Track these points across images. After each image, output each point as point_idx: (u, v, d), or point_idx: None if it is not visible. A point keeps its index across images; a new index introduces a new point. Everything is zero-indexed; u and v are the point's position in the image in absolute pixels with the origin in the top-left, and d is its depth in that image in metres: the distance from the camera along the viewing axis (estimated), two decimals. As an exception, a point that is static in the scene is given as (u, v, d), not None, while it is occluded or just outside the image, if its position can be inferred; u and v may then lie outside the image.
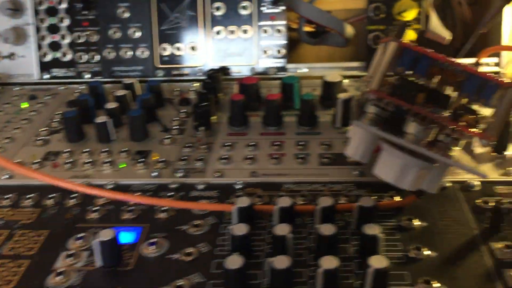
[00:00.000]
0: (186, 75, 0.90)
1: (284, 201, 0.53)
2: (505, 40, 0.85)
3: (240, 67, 0.90)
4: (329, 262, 0.44)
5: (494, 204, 0.53)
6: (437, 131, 0.48)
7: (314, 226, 0.51)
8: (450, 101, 0.47)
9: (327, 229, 0.49)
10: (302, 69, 0.91)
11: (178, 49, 0.90)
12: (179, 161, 0.67)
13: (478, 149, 0.65)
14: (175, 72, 0.91)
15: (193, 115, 0.74)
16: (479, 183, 0.59)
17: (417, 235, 0.52)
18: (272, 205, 0.54)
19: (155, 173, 0.65)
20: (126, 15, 0.90)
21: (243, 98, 0.73)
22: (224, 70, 0.89)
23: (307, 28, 1.02)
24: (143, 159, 0.67)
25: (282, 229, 0.49)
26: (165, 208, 0.57)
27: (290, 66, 0.90)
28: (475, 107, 0.47)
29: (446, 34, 0.67)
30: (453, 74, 0.47)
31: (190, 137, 0.73)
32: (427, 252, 0.50)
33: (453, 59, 0.45)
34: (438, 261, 0.49)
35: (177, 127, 0.75)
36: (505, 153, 0.64)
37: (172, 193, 0.61)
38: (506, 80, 0.44)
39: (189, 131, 0.74)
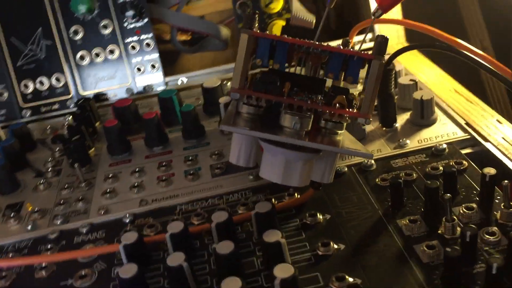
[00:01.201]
0: (56, 110, 0.82)
1: (175, 226, 0.48)
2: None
3: (115, 91, 0.83)
4: (232, 284, 0.39)
5: (390, 181, 0.50)
6: (317, 119, 0.45)
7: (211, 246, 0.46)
8: (320, 85, 0.44)
9: (224, 247, 0.44)
10: (182, 80, 0.86)
11: (41, 83, 0.81)
12: (57, 206, 0.59)
13: (368, 127, 0.64)
14: (44, 109, 0.82)
15: (66, 152, 0.66)
16: (374, 162, 0.57)
17: (323, 230, 0.49)
18: (164, 233, 0.48)
19: (30, 226, 0.56)
20: (-26, 57, 0.80)
21: (118, 123, 0.67)
22: (96, 97, 0.81)
23: (183, 37, 0.97)
24: (15, 213, 0.59)
25: (176, 258, 0.44)
26: (44, 265, 0.50)
27: (168, 79, 0.85)
28: (345, 86, 0.44)
29: (311, 18, 0.65)
30: (317, 57, 0.44)
31: (67, 177, 0.65)
32: (335, 246, 0.46)
33: (311, 41, 0.42)
34: (348, 252, 0.46)
35: (52, 168, 0.67)
36: (395, 125, 0.63)
37: (50, 246, 0.53)
38: (368, 53, 0.42)
39: (66, 171, 0.67)
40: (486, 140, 0.57)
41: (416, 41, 0.87)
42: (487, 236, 0.43)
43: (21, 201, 0.62)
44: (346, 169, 0.57)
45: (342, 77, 0.44)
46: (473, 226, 0.41)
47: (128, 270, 0.44)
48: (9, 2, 0.79)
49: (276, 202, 0.53)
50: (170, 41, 0.94)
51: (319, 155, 0.46)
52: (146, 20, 0.82)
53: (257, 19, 0.43)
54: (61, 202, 0.60)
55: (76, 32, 0.81)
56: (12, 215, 0.58)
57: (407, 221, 0.47)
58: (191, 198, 0.57)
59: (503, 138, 0.57)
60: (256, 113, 0.46)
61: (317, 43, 0.43)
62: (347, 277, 0.42)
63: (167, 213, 0.55)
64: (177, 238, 0.47)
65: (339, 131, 0.47)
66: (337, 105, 0.43)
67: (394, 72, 0.63)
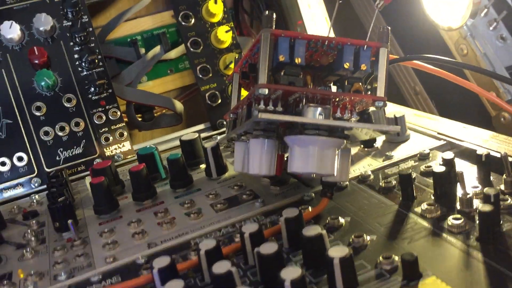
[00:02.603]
0: (21, 189, 0.78)
1: (163, 261, 0.45)
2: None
3: (82, 163, 0.81)
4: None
5: (397, 176, 0.54)
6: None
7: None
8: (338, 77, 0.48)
9: (268, 248, 0.43)
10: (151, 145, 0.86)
11: (3, 164, 0.77)
12: (55, 266, 0.55)
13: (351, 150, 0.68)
14: (9, 193, 0.77)
15: (52, 214, 0.62)
16: (371, 173, 0.60)
17: (349, 229, 0.50)
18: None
19: (31, 287, 0.51)
20: None
21: (105, 180, 0.65)
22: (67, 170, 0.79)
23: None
24: (7, 281, 0.53)
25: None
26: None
27: (136, 147, 0.85)
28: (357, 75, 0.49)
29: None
30: (326, 56, 0.48)
31: (55, 242, 0.61)
32: (368, 237, 0.47)
33: (324, 36, 0.47)
34: (382, 240, 0.47)
35: (34, 238, 0.62)
36: (375, 145, 0.68)
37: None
38: (374, 42, 0.47)
39: (51, 237, 0.62)
40: (461, 141, 0.63)
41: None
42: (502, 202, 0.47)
43: (8, 272, 0.56)
44: (347, 182, 0.59)
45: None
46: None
47: (175, 285, 0.41)
48: (-36, 84, 0.77)
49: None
50: (130, 118, 0.95)
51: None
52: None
53: (274, 19, 0.46)
54: (58, 261, 0.55)
55: (38, 108, 0.79)
56: (4, 283, 0.53)
57: (426, 206, 0.50)
58: (203, 232, 0.55)
59: (474, 137, 0.63)
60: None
61: (330, 37, 0.47)
62: (393, 255, 0.43)
63: (184, 248, 0.53)
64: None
65: (353, 119, 0.51)
66: (357, 91, 0.47)
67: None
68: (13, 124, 0.78)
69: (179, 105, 0.98)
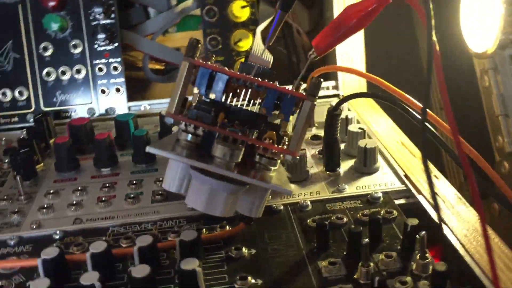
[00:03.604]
0: (15, 122, 0.83)
1: (98, 246, 0.48)
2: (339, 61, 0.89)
3: (77, 109, 0.84)
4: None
5: (316, 222, 0.51)
6: (249, 152, 0.46)
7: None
8: (260, 120, 0.46)
9: (140, 271, 0.44)
10: (145, 106, 0.87)
11: (4, 94, 0.82)
12: (-9, 216, 0.59)
13: (313, 169, 0.65)
14: (3, 121, 0.83)
15: (12, 164, 0.67)
16: (310, 203, 0.58)
17: (246, 264, 0.49)
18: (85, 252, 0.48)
19: (-40, 234, 0.56)
20: None
21: (69, 140, 0.67)
22: (57, 114, 0.82)
23: (156, 66, 0.99)
24: None
25: (90, 277, 0.43)
26: (-38, 272, 0.49)
27: (132, 104, 0.86)
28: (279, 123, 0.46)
29: (269, 57, 0.67)
30: (256, 92, 0.45)
31: (10, 189, 0.65)
32: (253, 281, 0.46)
33: (248, 75, 0.44)
34: (265, 288, 0.46)
35: (-3, 179, 0.67)
36: (338, 169, 0.65)
37: (-25, 254, 0.52)
38: (300, 92, 0.43)
39: (10, 183, 0.67)
40: (419, 193, 0.58)
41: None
42: (399, 285, 0.44)
43: (-45, 206, 0.62)
44: (282, 207, 0.57)
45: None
46: (384, 273, 0.42)
47: (40, 284, 0.43)
48: (-17, 13, 0.81)
49: (207, 232, 0.53)
50: (141, 68, 0.96)
51: (245, 188, 0.46)
52: (116, 44, 0.84)
53: (199, 48, 0.44)
54: (-4, 212, 0.60)
55: (45, 49, 0.82)
56: None
57: (327, 263, 0.48)
58: (125, 221, 0.57)
59: (436, 193, 0.58)
60: (194, 142, 0.47)
61: (254, 78, 0.44)
62: (256, 312, 0.42)
63: (98, 233, 0.55)
64: (97, 258, 0.47)
65: (273, 168, 0.49)
66: (268, 140, 0.44)
67: (340, 118, 0.65)
68: (20, 59, 0.82)
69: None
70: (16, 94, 0.82)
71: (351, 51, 0.88)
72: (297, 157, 0.44)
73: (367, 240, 0.45)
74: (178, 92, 0.43)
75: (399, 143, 0.71)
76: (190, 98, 0.45)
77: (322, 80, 0.43)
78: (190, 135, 0.47)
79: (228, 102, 0.47)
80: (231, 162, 0.44)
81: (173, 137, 0.47)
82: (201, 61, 0.44)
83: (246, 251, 0.51)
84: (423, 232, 0.46)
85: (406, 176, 0.62)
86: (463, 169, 0.42)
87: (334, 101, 0.87)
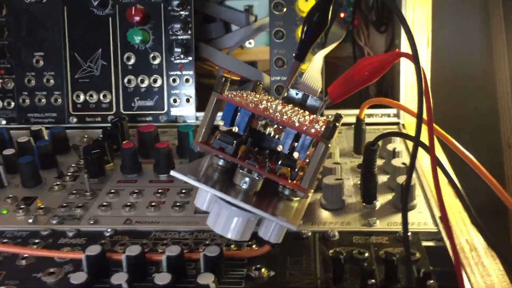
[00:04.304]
0: (98, 122, 0.93)
1: (133, 250, 0.54)
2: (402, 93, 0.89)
3: (151, 115, 0.92)
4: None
5: (334, 254, 0.53)
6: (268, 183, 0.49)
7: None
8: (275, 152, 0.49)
9: (162, 278, 0.49)
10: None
11: (91, 96, 0.92)
12: (59, 208, 0.68)
13: (350, 199, 0.67)
14: (88, 120, 0.93)
15: (84, 162, 0.76)
16: (337, 234, 0.60)
17: (262, 285, 0.53)
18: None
19: (31, 220, 0.65)
20: (41, 63, 0.92)
21: (134, 146, 0.75)
22: (133, 118, 0.91)
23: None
24: (25, 206, 0.68)
25: (120, 278, 0.50)
26: (25, 255, 0.58)
27: (200, 114, 0.93)
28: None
29: (318, 87, 0.70)
30: (278, 128, 0.49)
31: (80, 184, 0.74)
32: (263, 302, 0.50)
33: (271, 113, 0.47)
34: (272, 311, 0.49)
35: (72, 173, 0.76)
36: (375, 202, 0.66)
37: (39, 240, 0.61)
38: (316, 133, 0.46)
39: (81, 178, 0.76)
40: (451, 238, 0.58)
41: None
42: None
43: (36, 196, 0.72)
44: (310, 233, 0.60)
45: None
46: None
47: (78, 277, 0.51)
48: (80, 22, 0.91)
49: (235, 248, 0.58)
50: (214, 76, 1.02)
51: (258, 216, 0.50)
52: (190, 58, 0.91)
53: (228, 84, 0.49)
54: (64, 205, 0.68)
55: (129, 58, 0.91)
56: (22, 206, 0.68)
57: (336, 296, 0.50)
58: (167, 228, 0.63)
59: (466, 239, 0.58)
60: (226, 166, 0.52)
61: (274, 115, 0.48)
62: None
63: (142, 236, 0.62)
64: (131, 260, 0.53)
65: (295, 198, 0.52)
66: (283, 174, 0.47)
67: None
68: (107, 66, 0.92)
69: (267, 79, 1.02)
70: (101, 96, 0.92)
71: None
72: (309, 195, 0.47)
73: (373, 281, 0.47)
74: (206, 123, 0.48)
75: (445, 181, 0.70)
76: (221, 123, 0.50)
77: (337, 124, 0.45)
78: (221, 160, 0.52)
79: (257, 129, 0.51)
80: (250, 191, 0.48)
81: (202, 161, 0.52)
82: (229, 95, 0.48)
83: (266, 272, 0.54)
84: (432, 281, 0.47)
85: (441, 218, 0.62)
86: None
87: (393, 128, 0.88)
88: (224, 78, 0.48)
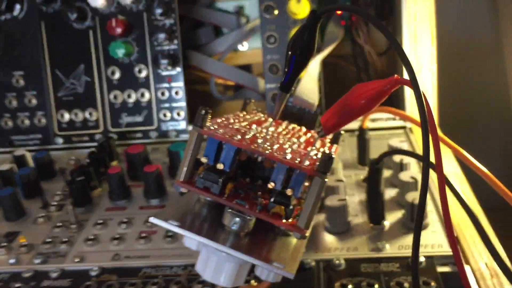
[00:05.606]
0: (86, 141, 0.87)
1: None
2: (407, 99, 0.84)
3: (140, 131, 0.87)
4: None
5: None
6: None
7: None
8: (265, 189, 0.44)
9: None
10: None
11: (76, 115, 0.87)
12: (43, 244, 0.63)
13: (356, 220, 0.62)
14: (75, 139, 0.88)
15: (69, 191, 0.71)
16: (343, 262, 0.55)
17: (261, 328, 0.48)
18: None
19: (13, 260, 0.60)
20: (22, 83, 0.87)
21: (121, 171, 0.70)
22: (122, 135, 0.86)
23: (228, 82, 0.99)
24: (7, 243, 0.63)
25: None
26: (3, 304, 0.53)
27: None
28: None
29: (313, 100, 0.64)
30: (269, 161, 0.43)
31: (66, 215, 0.69)
32: None
33: (259, 144, 0.42)
34: None
35: (57, 202, 0.72)
36: (384, 222, 0.61)
37: (20, 285, 0.56)
38: (311, 165, 0.40)
39: (67, 208, 0.71)
40: (467, 262, 0.53)
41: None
42: None
43: (19, 230, 0.67)
44: (314, 263, 0.55)
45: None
46: None
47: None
48: (59, 37, 0.86)
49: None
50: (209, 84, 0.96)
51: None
52: (178, 69, 0.85)
53: (209, 118, 0.43)
54: (49, 240, 0.63)
55: (113, 72, 0.86)
56: (4, 244, 0.63)
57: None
58: (158, 263, 0.58)
59: (485, 263, 0.52)
60: (214, 201, 0.47)
61: (264, 146, 0.42)
62: None
63: (131, 273, 0.57)
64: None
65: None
66: (275, 213, 0.42)
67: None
68: (90, 82, 0.86)
69: (263, 84, 0.96)
70: (87, 114, 0.87)
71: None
72: (306, 235, 0.42)
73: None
74: (187, 161, 0.43)
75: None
76: (204, 160, 0.44)
77: (333, 156, 0.40)
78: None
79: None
80: (241, 231, 0.43)
81: (190, 194, 0.47)
82: (210, 129, 0.43)
83: (266, 310, 0.49)
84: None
85: (457, 238, 0.56)
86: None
87: (400, 133, 0.83)
88: (204, 111, 0.42)
